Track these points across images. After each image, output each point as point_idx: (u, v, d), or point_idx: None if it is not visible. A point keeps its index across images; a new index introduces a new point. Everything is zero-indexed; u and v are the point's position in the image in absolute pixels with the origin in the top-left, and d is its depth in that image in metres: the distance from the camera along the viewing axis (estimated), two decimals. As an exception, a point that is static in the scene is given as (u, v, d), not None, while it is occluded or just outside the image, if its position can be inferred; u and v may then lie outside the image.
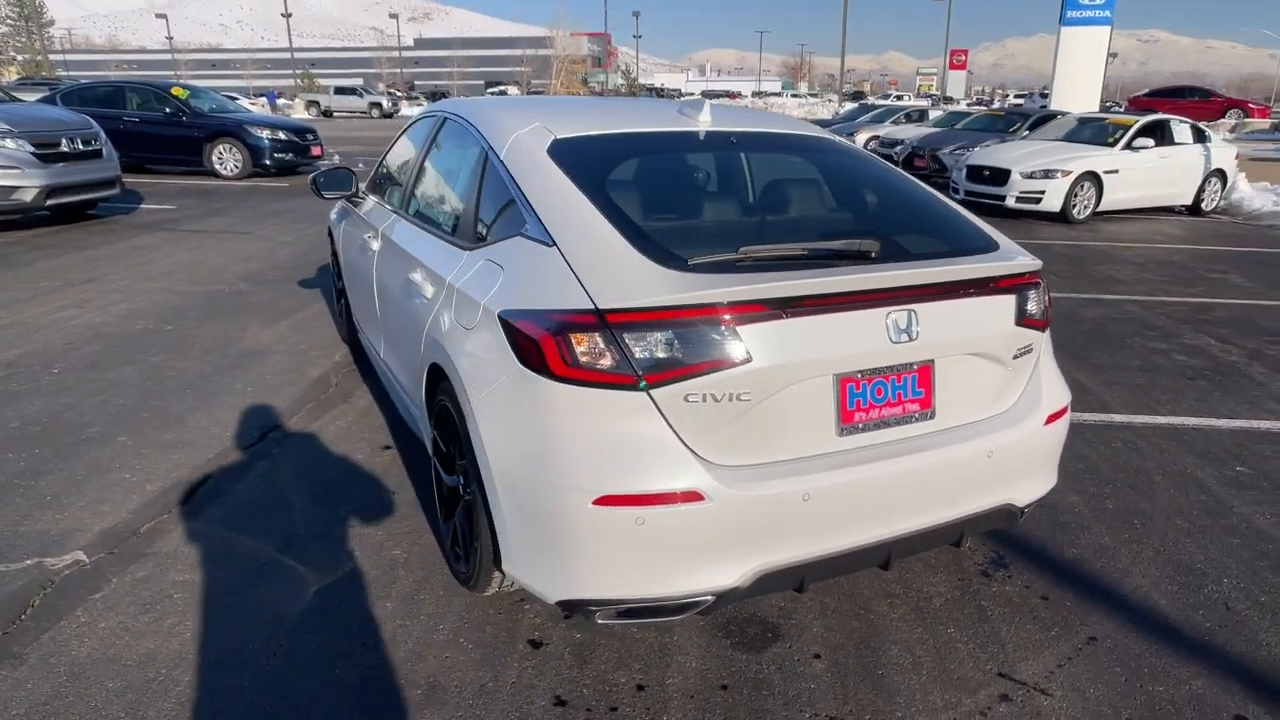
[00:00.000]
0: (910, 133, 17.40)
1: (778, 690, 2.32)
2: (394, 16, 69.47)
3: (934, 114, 20.43)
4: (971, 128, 15.90)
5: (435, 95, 63.18)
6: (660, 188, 2.69)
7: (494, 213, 2.64)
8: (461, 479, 2.66)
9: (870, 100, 39.04)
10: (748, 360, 2.01)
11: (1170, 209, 12.21)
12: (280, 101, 48.61)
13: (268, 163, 14.03)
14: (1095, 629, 2.61)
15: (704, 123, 2.87)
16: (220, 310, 6.01)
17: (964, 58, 48.15)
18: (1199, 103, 26.44)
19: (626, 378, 2.00)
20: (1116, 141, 11.06)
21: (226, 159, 13.89)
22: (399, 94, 58.40)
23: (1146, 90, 31.68)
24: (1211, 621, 2.65)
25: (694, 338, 2.00)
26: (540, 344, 2.06)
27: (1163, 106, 23.84)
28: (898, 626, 2.61)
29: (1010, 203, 10.90)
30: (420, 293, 2.85)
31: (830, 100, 59.12)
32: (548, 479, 2.05)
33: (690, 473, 2.00)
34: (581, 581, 2.09)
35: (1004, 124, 15.27)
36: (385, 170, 4.11)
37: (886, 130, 19.29)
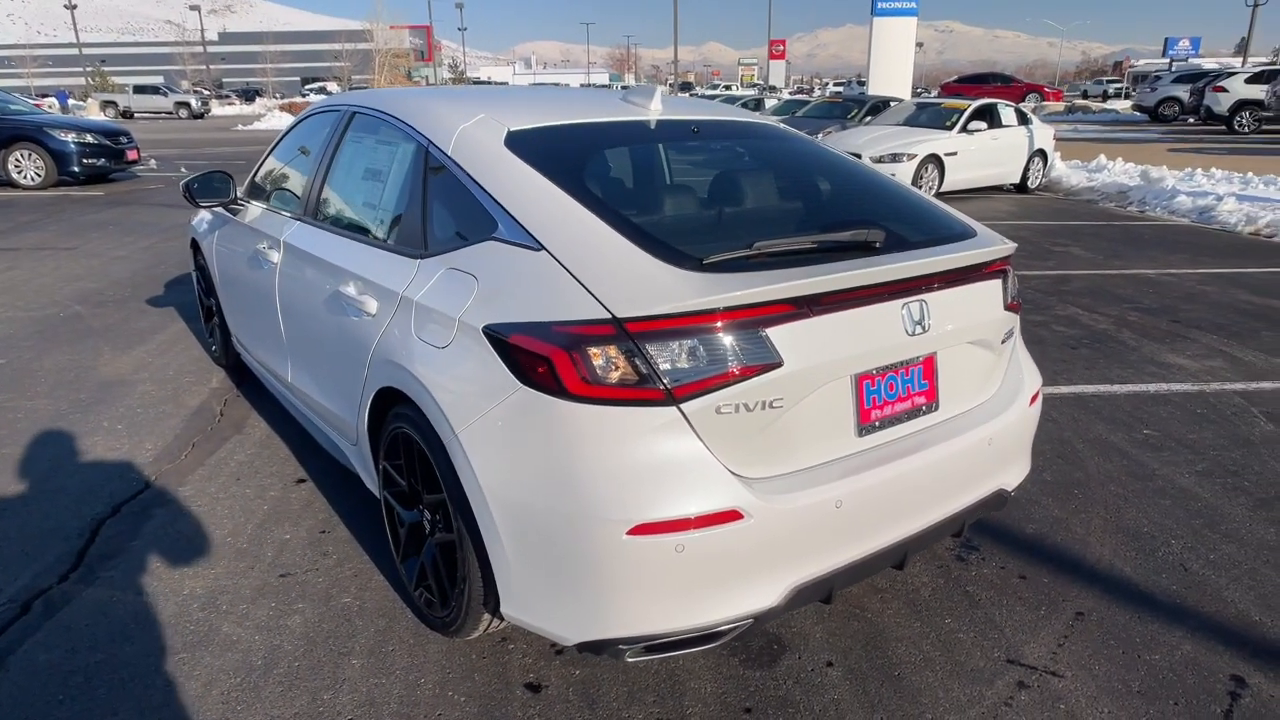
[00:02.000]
0: (755, 122, 17.81)
1: (803, 706, 2.21)
2: (195, 8, 64.15)
3: (770, 103, 21.06)
4: (812, 115, 16.48)
5: (249, 94, 59.14)
6: (637, 181, 2.51)
7: (448, 215, 2.37)
8: (429, 514, 2.38)
9: (701, 91, 39.84)
10: (779, 364, 1.87)
11: (999, 187, 13.13)
12: (71, 102, 43.91)
13: (76, 169, 12.60)
14: (1078, 603, 2.66)
15: (656, 111, 2.71)
16: (59, 337, 5.26)
17: (783, 48, 50.12)
18: (1002, 88, 28.75)
19: (654, 393, 1.81)
20: (953, 125, 11.76)
21: (25, 166, 12.37)
22: (207, 92, 54.10)
23: (956, 77, 34.16)
24: (1176, 584, 2.76)
25: (724, 344, 1.84)
26: (552, 360, 1.83)
27: (970, 91, 25.71)
28: (896, 622, 2.56)
29: (863, 187, 11.33)
30: (357, 308, 2.53)
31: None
32: (569, 510, 1.84)
33: (728, 491, 1.84)
34: (612, 619, 1.89)
35: (842, 110, 15.93)
36: (273, 173, 3.67)
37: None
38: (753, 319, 1.86)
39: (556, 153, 2.33)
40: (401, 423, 2.35)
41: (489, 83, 72.62)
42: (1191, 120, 26.84)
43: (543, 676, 2.30)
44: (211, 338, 4.77)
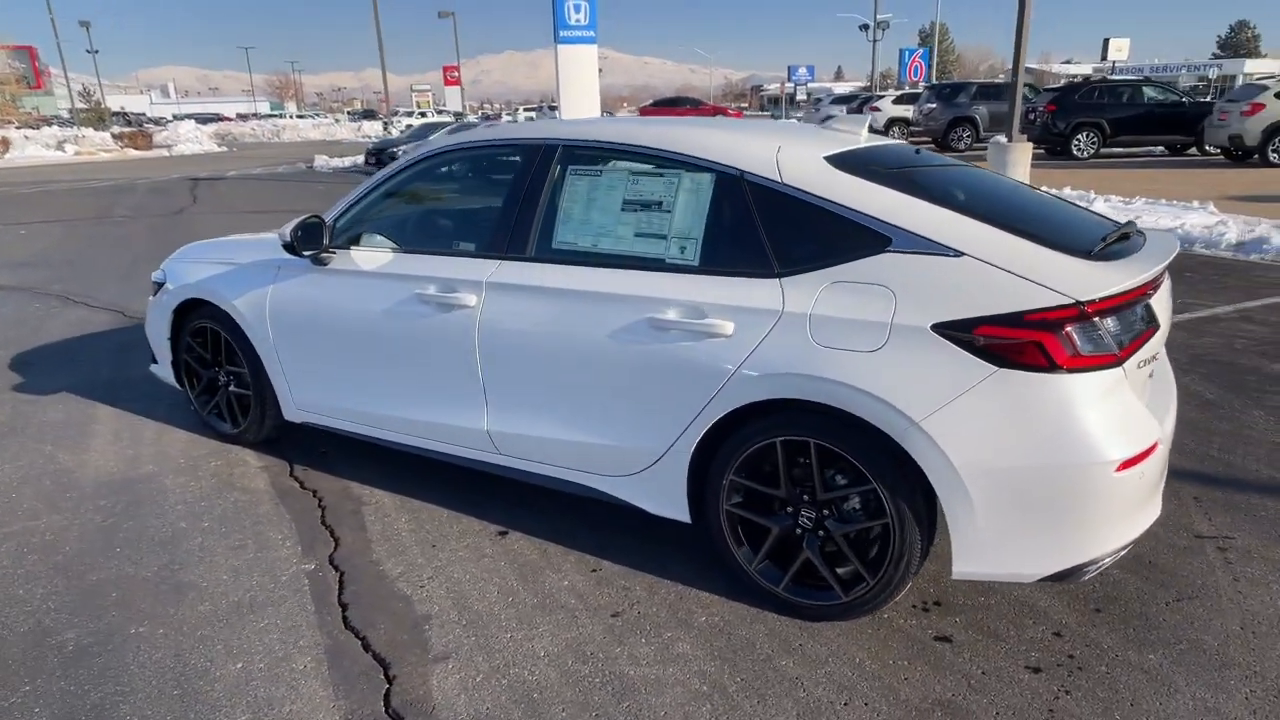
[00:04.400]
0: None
1: (1132, 601, 2.78)
2: None
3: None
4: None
5: None
6: (955, 194, 2.84)
7: (801, 235, 2.60)
8: (812, 513, 2.60)
9: (386, 118, 38.77)
10: (1159, 326, 2.45)
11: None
12: None
13: None
14: (1189, 490, 3.51)
15: (866, 139, 3.12)
16: (-35, 449, 4.26)
17: (458, 74, 50.35)
18: (693, 109, 31.87)
19: (1110, 356, 2.29)
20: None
21: None
22: None
23: (651, 101, 37.15)
24: (1234, 461, 3.75)
25: (1137, 314, 2.38)
26: (1043, 343, 2.23)
27: (666, 113, 28.15)
28: (1105, 529, 3.23)
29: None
30: (692, 332, 2.63)
31: (340, 121, 56.82)
32: (1064, 462, 2.24)
33: (1154, 425, 2.38)
34: (1088, 546, 2.33)
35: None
36: (408, 215, 3.46)
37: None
38: (1143, 294, 2.41)
39: (884, 173, 2.68)
40: (775, 434, 2.56)
41: (125, 113, 63.61)
42: None
43: (938, 629, 2.64)
44: (214, 412, 4.22)
